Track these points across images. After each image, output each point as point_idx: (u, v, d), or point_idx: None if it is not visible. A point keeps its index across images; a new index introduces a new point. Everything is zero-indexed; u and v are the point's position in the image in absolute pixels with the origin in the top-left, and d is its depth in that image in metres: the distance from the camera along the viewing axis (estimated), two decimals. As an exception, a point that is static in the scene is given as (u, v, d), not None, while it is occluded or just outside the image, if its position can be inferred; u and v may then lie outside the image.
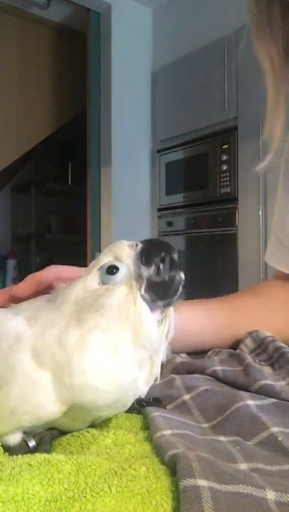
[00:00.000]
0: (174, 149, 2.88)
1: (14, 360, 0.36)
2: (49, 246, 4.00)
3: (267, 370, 0.53)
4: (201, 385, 0.47)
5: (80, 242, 3.31)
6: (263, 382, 0.46)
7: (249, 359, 0.52)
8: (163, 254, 0.36)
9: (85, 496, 0.27)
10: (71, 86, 3.52)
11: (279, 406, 0.42)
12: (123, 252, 0.36)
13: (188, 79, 2.77)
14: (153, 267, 0.35)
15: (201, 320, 0.61)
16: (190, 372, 0.53)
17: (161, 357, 0.38)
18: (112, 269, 0.36)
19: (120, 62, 2.98)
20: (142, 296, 0.35)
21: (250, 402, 0.41)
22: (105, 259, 0.37)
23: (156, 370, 0.38)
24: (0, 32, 3.24)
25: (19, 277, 3.71)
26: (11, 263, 3.78)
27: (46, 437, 0.39)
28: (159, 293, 0.35)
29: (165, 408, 0.43)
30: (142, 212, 3.06)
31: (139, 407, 0.44)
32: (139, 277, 0.35)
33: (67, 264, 0.48)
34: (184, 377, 0.51)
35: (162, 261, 0.36)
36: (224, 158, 2.52)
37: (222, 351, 0.59)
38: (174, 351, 0.55)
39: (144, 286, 0.35)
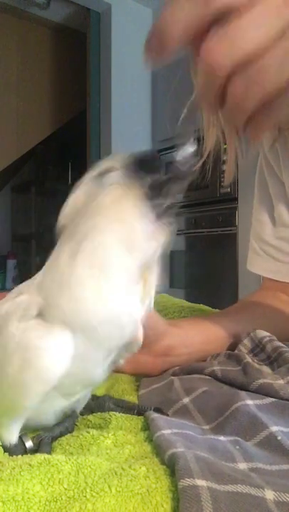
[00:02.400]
0: (174, 149, 2.87)
1: (4, 332, 0.35)
2: (49, 246, 3.99)
3: (265, 369, 0.53)
4: (200, 386, 0.47)
5: (80, 242, 3.30)
6: (261, 381, 0.46)
7: (247, 359, 0.52)
8: (156, 163, 0.35)
9: (85, 496, 0.27)
10: (71, 86, 3.52)
11: (278, 405, 0.42)
12: (114, 160, 0.36)
13: (188, 79, 2.77)
14: (150, 174, 0.34)
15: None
16: (189, 373, 0.53)
17: (155, 276, 0.36)
18: (106, 173, 0.35)
19: (120, 62, 2.98)
20: (139, 194, 0.34)
21: (250, 402, 0.41)
22: (97, 168, 0.36)
23: (151, 290, 0.36)
24: (0, 32, 3.24)
25: (19, 277, 3.71)
26: (11, 263, 3.78)
27: (46, 439, 0.39)
28: (156, 191, 0.34)
29: (168, 415, 0.43)
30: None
31: (138, 416, 0.44)
32: (135, 178, 0.34)
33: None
34: (182, 379, 0.51)
35: (156, 168, 0.35)
36: (224, 158, 2.51)
37: (220, 354, 0.59)
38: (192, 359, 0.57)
39: (142, 186, 0.34)
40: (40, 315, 0.35)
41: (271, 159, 0.72)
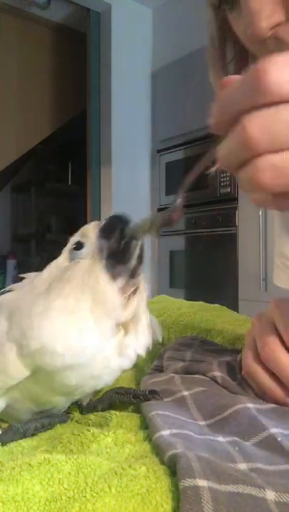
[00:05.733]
0: (174, 149, 2.87)
1: None
2: (49, 246, 3.99)
3: None
4: (201, 385, 0.47)
5: (80, 242, 3.30)
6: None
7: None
8: (120, 226, 0.39)
9: (85, 496, 0.27)
10: (71, 86, 3.51)
11: (279, 410, 0.42)
12: (89, 230, 0.40)
13: (188, 79, 2.77)
14: (113, 240, 0.39)
15: None
16: (190, 374, 0.53)
17: (141, 327, 0.40)
18: (78, 246, 0.40)
19: (120, 62, 2.97)
20: (103, 265, 0.38)
21: (250, 405, 0.41)
22: (75, 239, 0.41)
23: (130, 340, 0.39)
24: (0, 32, 3.24)
25: (19, 277, 3.70)
26: (11, 263, 3.78)
27: (14, 428, 0.40)
28: (118, 259, 0.38)
29: (161, 399, 0.43)
30: (142, 212, 3.05)
31: (135, 400, 0.44)
32: (101, 250, 0.39)
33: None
34: (184, 377, 0.51)
35: (121, 233, 0.39)
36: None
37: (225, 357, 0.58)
38: None
39: (104, 256, 0.38)
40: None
41: None
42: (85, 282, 0.37)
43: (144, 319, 0.40)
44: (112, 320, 0.38)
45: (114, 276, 0.38)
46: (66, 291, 0.37)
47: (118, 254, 0.38)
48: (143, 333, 0.40)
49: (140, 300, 0.39)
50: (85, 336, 0.37)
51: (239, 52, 0.55)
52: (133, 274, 0.38)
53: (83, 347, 0.37)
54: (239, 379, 0.50)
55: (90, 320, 0.37)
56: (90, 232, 0.40)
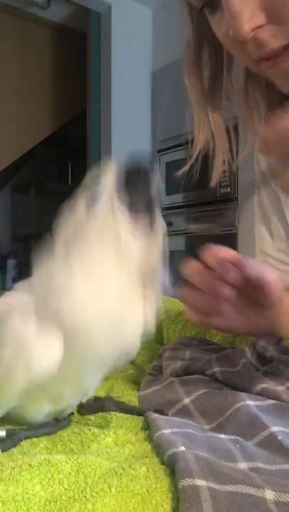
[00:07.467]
0: (174, 149, 2.87)
1: (7, 323, 0.38)
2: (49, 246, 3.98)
3: (266, 371, 0.53)
4: (200, 387, 0.47)
5: (80, 242, 3.30)
6: (263, 385, 0.46)
7: (244, 359, 0.52)
8: (140, 174, 0.38)
9: (85, 496, 0.27)
10: (71, 86, 3.51)
11: (278, 407, 0.42)
12: (105, 174, 0.38)
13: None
14: (132, 188, 0.37)
15: None
16: (189, 373, 0.53)
17: (158, 284, 0.38)
18: (95, 194, 0.37)
19: (120, 62, 2.97)
20: (121, 211, 0.36)
21: (250, 403, 0.41)
22: (89, 187, 0.39)
23: (155, 296, 0.38)
24: (0, 32, 3.24)
25: (19, 277, 3.71)
26: (11, 263, 3.77)
27: (16, 437, 0.39)
28: (137, 207, 0.37)
29: (167, 415, 0.43)
30: (142, 212, 3.06)
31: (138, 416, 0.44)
32: (119, 194, 0.37)
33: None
34: (182, 380, 0.51)
35: (141, 180, 0.37)
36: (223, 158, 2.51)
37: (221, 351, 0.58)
38: None
39: (123, 202, 0.37)
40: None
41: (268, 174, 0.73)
42: (104, 233, 0.36)
43: (160, 274, 0.39)
44: (136, 272, 0.37)
45: (134, 225, 0.36)
46: (86, 252, 0.36)
47: (137, 203, 0.37)
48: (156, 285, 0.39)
49: (157, 250, 0.38)
50: (113, 298, 0.36)
51: (214, 56, 0.56)
52: (152, 220, 0.37)
53: (114, 311, 0.36)
54: (242, 364, 0.50)
55: (116, 280, 0.36)
56: (107, 179, 0.38)
